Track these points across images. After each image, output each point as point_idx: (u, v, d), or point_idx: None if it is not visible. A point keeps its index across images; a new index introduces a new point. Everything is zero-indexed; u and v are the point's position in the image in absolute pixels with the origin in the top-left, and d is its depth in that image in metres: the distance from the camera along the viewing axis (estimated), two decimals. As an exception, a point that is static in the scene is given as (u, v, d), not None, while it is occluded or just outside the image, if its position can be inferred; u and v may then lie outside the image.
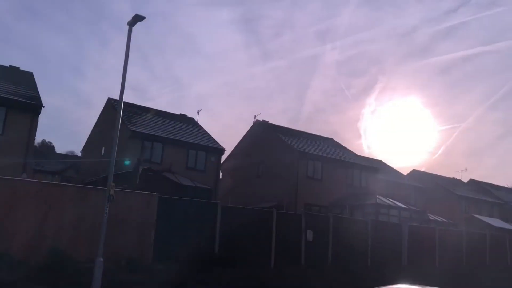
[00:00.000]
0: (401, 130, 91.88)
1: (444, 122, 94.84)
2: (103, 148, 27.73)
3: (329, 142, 36.84)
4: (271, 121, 35.44)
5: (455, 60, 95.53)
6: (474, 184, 48.56)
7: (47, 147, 54.59)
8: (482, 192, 46.01)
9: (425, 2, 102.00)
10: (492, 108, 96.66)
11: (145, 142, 25.99)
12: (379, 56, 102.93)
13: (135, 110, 29.04)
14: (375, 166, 34.97)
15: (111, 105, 28.81)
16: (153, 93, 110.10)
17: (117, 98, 14.14)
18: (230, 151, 35.88)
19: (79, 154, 36.59)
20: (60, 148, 66.91)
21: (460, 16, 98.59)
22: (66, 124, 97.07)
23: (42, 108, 21.61)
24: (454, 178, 47.29)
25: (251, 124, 36.02)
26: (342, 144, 37.81)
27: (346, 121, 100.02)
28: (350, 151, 36.36)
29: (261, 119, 35.41)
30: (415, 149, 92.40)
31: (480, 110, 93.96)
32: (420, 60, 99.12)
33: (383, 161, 42.53)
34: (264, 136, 34.03)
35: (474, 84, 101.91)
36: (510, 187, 55.74)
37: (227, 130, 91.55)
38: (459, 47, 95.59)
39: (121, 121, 14.62)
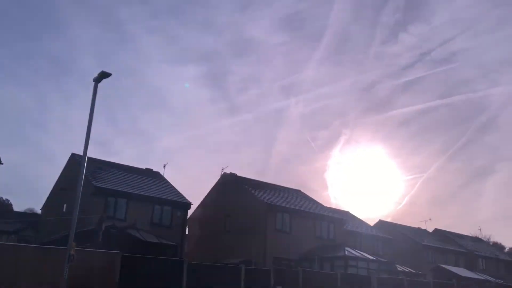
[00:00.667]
0: (366, 181, 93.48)
1: (407, 172, 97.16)
2: (65, 205, 26.80)
3: (297, 194, 36.90)
4: (239, 174, 35.34)
5: (414, 113, 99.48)
6: (439, 233, 49.26)
7: (4, 205, 52.16)
8: (447, 242, 46.65)
9: (384, 59, 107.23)
10: (451, 159, 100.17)
11: (109, 198, 25.30)
12: (342, 109, 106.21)
13: (99, 165, 28.46)
14: (343, 217, 35.07)
15: (75, 161, 28.15)
16: (119, 147, 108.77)
17: (81, 153, 13.85)
18: (198, 205, 35.35)
19: (39, 212, 35.15)
20: (18, 206, 64.03)
21: (416, 71, 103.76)
22: (26, 181, 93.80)
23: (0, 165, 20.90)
24: (419, 228, 47.88)
25: (219, 177, 35.82)
26: (310, 195, 37.96)
27: (313, 172, 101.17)
28: (318, 202, 36.48)
29: (228, 172, 35.30)
30: (381, 199, 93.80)
31: (441, 161, 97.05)
32: (381, 113, 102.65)
33: (350, 212, 42.78)
34: (232, 188, 33.79)
35: (434, 135, 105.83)
36: (473, 235, 56.85)
37: (194, 184, 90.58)
38: (417, 100, 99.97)
39: (85, 176, 14.27)
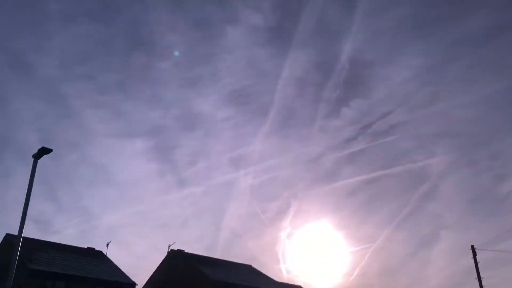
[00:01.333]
0: (317, 252, 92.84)
1: (357, 243, 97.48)
2: (-4, 291, 24.61)
3: (248, 269, 35.99)
4: (187, 250, 34.18)
5: (359, 184, 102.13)
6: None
7: None
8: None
9: (328, 132, 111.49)
10: (398, 227, 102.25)
11: (46, 282, 23.53)
12: (290, 181, 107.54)
13: (36, 246, 26.72)
14: (295, 292, 34.31)
15: (9, 241, 26.29)
16: (60, 225, 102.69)
17: (16, 233, 13.01)
18: (143, 284, 33.51)
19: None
20: None
21: (359, 143, 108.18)
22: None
23: None
24: (371, 300, 47.55)
25: (166, 253, 34.47)
26: (261, 270, 37.06)
27: (264, 245, 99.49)
28: (269, 277, 35.64)
29: (176, 248, 34.08)
30: (332, 271, 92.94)
31: (388, 230, 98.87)
32: (328, 184, 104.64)
33: (302, 286, 41.97)
34: (179, 266, 32.48)
35: (379, 205, 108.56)
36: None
37: (140, 262, 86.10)
38: (361, 171, 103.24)
39: (20, 258, 13.32)
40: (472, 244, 32.22)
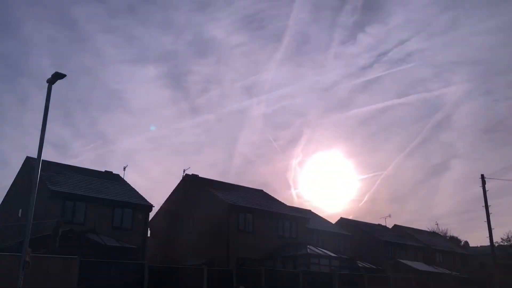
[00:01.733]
0: (328, 179, 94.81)
1: (368, 170, 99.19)
2: (20, 210, 25.92)
3: (259, 194, 37.10)
4: (201, 175, 35.17)
5: (373, 112, 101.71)
6: (398, 229, 50.64)
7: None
8: (406, 237, 48.04)
9: (343, 59, 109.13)
10: (409, 156, 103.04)
11: (67, 202, 24.65)
12: (303, 109, 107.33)
13: (55, 169, 27.68)
14: (305, 216, 35.52)
15: (30, 164, 27.26)
16: (77, 150, 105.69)
17: (36, 156, 13.46)
18: (159, 207, 34.98)
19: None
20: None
21: (374, 71, 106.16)
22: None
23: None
24: (379, 225, 49.07)
25: (180, 178, 35.54)
26: (272, 195, 38.24)
27: (275, 172, 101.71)
28: (280, 201, 36.81)
29: (190, 173, 35.07)
30: (342, 197, 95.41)
31: (399, 158, 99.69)
32: (341, 113, 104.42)
33: (312, 210, 43.39)
34: (193, 190, 33.61)
35: (392, 134, 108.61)
36: (430, 230, 58.78)
37: (155, 186, 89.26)
38: (376, 99, 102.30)
39: (41, 180, 13.89)
40: (482, 173, 32.69)
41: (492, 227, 31.19)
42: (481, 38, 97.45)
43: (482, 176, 32.10)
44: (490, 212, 31.24)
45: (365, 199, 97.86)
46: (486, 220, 31.19)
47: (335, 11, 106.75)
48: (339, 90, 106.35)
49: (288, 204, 37.77)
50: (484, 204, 31.45)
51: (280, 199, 37.58)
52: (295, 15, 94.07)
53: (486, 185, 31.82)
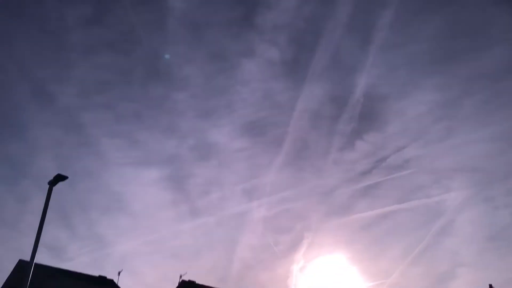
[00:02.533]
0: (331, 286, 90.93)
1: (371, 278, 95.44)
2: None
3: (258, 303, 35.39)
4: (198, 281, 33.79)
5: (374, 218, 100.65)
6: None
7: None
8: None
9: (342, 165, 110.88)
10: (413, 264, 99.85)
11: (56, 309, 23.52)
12: (304, 213, 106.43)
13: (49, 273, 26.79)
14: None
15: (22, 268, 26.43)
16: (73, 252, 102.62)
17: (29, 259, 13.14)
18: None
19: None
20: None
21: (374, 177, 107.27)
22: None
23: None
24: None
25: (176, 285, 34.13)
26: (272, 304, 36.44)
27: (276, 278, 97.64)
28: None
29: (187, 279, 33.75)
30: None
31: (403, 266, 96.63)
32: (342, 217, 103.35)
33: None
34: (190, 298, 32.13)
35: (394, 240, 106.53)
36: None
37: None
38: (376, 205, 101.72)
39: (31, 285, 13.43)
40: (490, 283, 31.64)
41: None
42: (477, 146, 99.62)
43: (490, 286, 31.09)
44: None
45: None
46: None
47: (333, 119, 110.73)
48: (339, 195, 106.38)
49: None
50: (494, 316, 29.96)
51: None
52: (295, 123, 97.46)
53: (495, 295, 30.62)
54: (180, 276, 34.17)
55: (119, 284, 30.99)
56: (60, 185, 13.81)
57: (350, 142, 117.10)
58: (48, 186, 13.58)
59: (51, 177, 13.75)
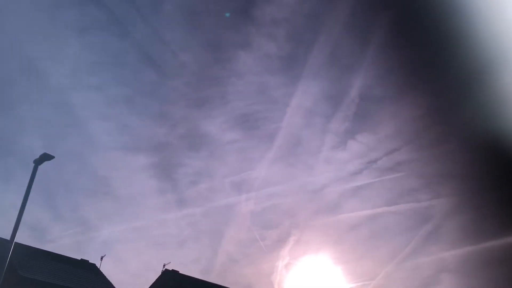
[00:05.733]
0: (314, 285, 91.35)
1: (356, 279, 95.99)
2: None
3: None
4: (182, 271, 33.51)
5: (362, 219, 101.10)
6: None
7: None
8: None
9: (333, 164, 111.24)
10: (398, 267, 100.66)
11: (35, 290, 23.17)
12: (292, 209, 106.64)
13: (29, 253, 26.38)
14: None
15: (1, 246, 26.04)
16: (55, 234, 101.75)
17: (9, 238, 12.85)
18: (133, 303, 32.94)
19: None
20: None
21: (364, 177, 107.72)
22: None
23: None
24: None
25: (160, 273, 33.86)
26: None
27: (260, 273, 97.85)
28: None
29: (170, 269, 33.45)
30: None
31: (388, 268, 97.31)
32: (330, 216, 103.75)
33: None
34: (172, 287, 31.88)
35: (381, 242, 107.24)
36: None
37: (133, 279, 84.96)
38: (365, 206, 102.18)
39: (11, 264, 13.14)
40: (472, 290, 31.72)
41: None
42: (469, 153, 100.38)
43: (472, 293, 31.14)
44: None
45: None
46: None
47: (327, 118, 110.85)
48: (328, 193, 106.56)
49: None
50: (474, 324, 30.11)
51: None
52: (289, 119, 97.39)
53: (476, 303, 30.75)
54: (164, 265, 33.90)
55: (101, 269, 30.65)
56: (45, 165, 13.53)
57: (343, 141, 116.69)
58: (33, 164, 13.27)
59: (37, 156, 13.46)
